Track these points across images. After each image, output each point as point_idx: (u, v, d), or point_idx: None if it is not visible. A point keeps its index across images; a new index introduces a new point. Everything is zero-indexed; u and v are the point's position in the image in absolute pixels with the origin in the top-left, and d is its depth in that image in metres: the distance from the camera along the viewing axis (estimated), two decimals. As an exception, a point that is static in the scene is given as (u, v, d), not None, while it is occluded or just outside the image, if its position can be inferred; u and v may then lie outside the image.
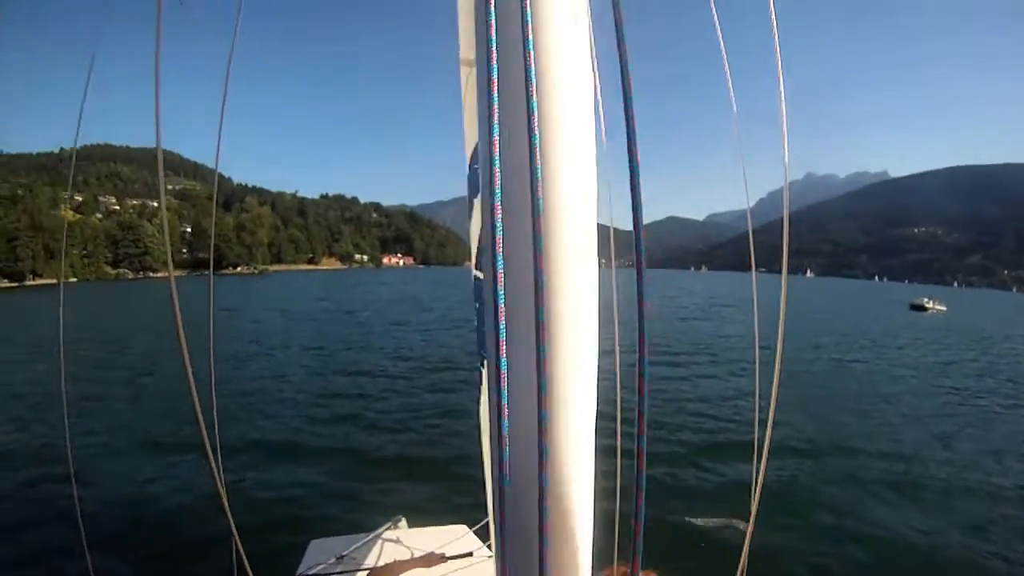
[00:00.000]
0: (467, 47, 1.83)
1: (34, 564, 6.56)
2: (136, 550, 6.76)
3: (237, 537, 1.81)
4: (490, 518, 2.62)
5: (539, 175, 0.87)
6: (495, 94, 0.88)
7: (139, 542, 6.99)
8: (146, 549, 6.84)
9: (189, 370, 1.17)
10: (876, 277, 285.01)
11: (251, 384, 16.31)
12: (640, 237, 0.86)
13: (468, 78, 1.91)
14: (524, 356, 0.92)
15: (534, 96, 0.88)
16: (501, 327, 0.91)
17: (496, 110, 0.89)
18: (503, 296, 0.91)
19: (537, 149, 0.87)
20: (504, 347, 0.91)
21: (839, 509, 8.19)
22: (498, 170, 0.89)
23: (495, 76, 0.88)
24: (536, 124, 0.88)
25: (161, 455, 10.29)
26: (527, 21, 0.88)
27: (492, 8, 0.90)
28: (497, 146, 0.88)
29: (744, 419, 12.56)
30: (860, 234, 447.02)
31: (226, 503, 1.89)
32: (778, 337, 1.60)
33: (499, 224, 0.90)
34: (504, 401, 0.91)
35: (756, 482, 1.78)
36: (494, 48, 0.89)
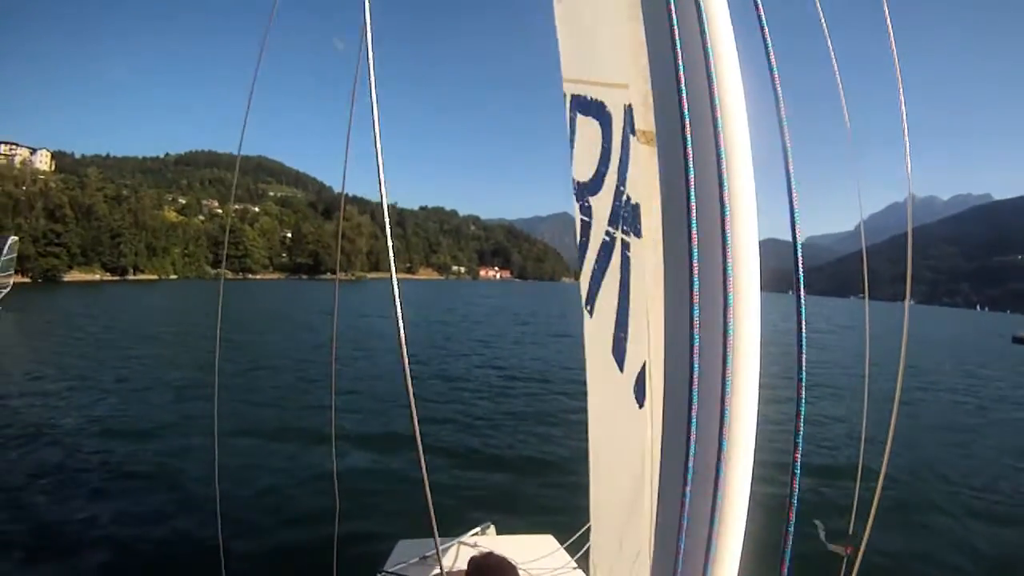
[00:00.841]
0: (569, 68, 1.75)
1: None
2: (244, 524, 7.21)
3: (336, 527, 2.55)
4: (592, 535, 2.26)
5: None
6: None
7: (249, 518, 7.43)
8: (251, 524, 7.27)
9: (334, 368, 1.06)
10: (978, 306, 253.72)
11: (355, 383, 16.56)
12: (798, 261, 0.98)
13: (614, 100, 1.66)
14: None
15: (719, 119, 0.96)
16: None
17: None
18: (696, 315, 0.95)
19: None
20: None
21: (923, 532, 8.24)
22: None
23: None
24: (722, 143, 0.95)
25: (271, 443, 10.88)
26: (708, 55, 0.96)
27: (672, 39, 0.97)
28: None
29: (837, 443, 12.30)
30: (962, 260, 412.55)
31: (337, 494, 2.68)
32: (899, 367, 1.93)
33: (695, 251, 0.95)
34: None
35: (872, 503, 1.88)
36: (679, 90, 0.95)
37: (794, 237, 0.92)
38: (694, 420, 0.91)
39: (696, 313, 0.91)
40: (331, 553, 2.88)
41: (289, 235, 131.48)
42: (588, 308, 2.08)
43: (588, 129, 1.85)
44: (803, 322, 0.90)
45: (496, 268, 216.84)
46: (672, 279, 0.99)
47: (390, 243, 1.33)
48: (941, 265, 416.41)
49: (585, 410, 2.30)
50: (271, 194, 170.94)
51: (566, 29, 1.77)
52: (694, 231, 0.91)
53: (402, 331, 1.12)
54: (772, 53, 0.92)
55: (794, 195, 0.91)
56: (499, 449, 11.24)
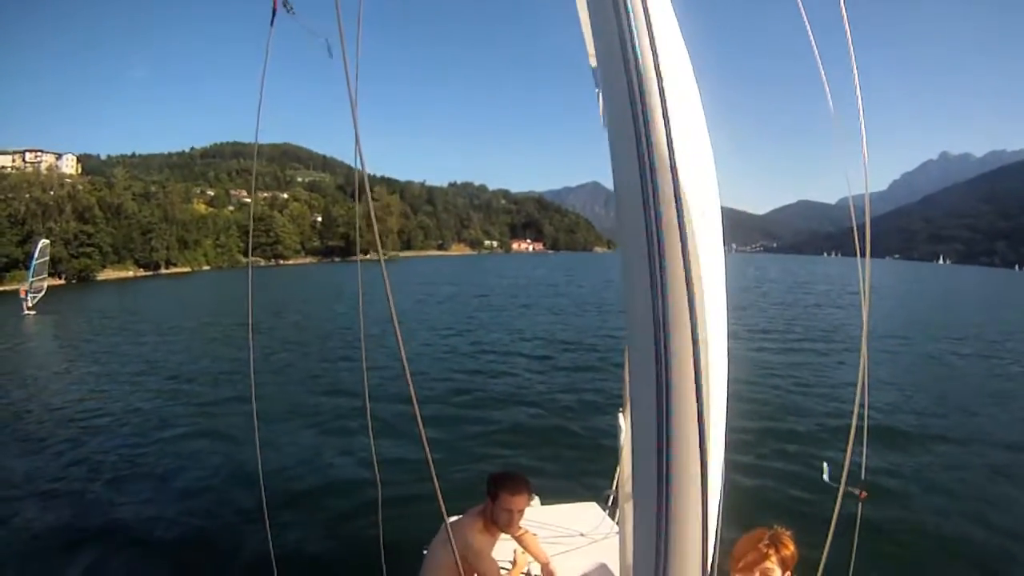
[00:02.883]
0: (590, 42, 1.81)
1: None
2: (288, 511, 7.22)
3: (380, 509, 2.52)
4: (621, 492, 2.52)
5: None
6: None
7: (294, 498, 7.62)
8: (296, 503, 7.47)
9: (363, 351, 1.52)
10: (1016, 266, 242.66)
11: (392, 361, 15.60)
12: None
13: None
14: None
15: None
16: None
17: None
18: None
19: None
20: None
21: (941, 487, 8.22)
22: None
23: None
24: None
25: (312, 421, 11.31)
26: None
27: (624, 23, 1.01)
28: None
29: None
30: (999, 219, 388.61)
31: (379, 477, 2.91)
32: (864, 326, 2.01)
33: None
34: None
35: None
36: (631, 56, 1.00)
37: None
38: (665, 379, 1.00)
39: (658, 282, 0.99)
40: (377, 531, 2.89)
41: (319, 219, 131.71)
42: None
43: None
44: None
45: (528, 241, 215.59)
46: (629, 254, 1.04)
47: (372, 214, 1.52)
48: (977, 224, 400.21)
49: None
50: (299, 180, 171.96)
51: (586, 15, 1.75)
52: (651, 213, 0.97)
53: (395, 315, 1.16)
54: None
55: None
56: (542, 419, 11.34)
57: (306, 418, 11.55)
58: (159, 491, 8.29)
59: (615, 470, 3.37)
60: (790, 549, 2.38)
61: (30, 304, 32.47)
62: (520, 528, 3.51)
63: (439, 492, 1.35)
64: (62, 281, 61.58)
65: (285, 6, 1.91)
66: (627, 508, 2.44)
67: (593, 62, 1.99)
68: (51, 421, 11.76)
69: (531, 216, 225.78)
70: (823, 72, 1.83)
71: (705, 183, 1.00)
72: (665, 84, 0.97)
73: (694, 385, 0.98)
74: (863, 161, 1.84)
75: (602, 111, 1.85)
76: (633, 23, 0.98)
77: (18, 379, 15.85)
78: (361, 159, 1.30)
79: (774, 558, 2.35)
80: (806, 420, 11.10)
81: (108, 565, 6.36)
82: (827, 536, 2.09)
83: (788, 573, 2.40)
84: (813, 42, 1.72)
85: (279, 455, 9.25)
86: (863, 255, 2.13)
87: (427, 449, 1.33)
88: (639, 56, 0.98)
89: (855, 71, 1.73)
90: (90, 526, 7.15)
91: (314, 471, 8.78)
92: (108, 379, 15.51)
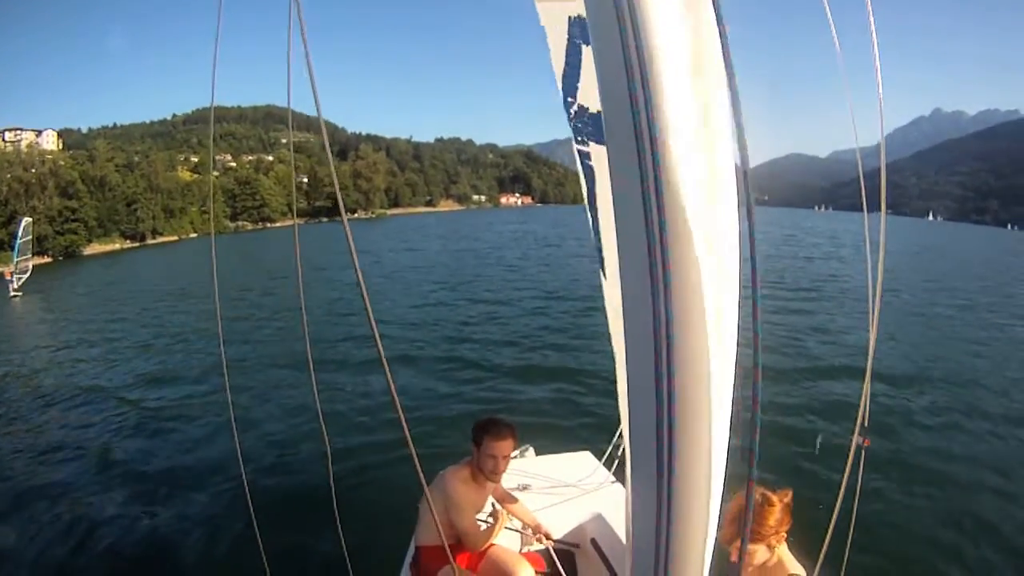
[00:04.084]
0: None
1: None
2: (276, 471, 7.56)
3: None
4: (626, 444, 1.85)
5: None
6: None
7: (281, 462, 7.86)
8: (286, 469, 7.60)
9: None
10: (1009, 225, 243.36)
11: (386, 315, 17.15)
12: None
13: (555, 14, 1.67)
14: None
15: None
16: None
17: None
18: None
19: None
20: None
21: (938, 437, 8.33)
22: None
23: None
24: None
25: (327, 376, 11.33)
26: None
27: None
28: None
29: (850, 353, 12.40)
30: (991, 177, 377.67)
31: (326, 434, 2.84)
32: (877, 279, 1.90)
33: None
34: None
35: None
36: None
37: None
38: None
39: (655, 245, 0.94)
40: (367, 492, 3.31)
41: (306, 180, 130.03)
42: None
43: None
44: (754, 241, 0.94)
45: (517, 195, 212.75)
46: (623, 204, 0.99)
47: (333, 172, 1.50)
48: (968, 182, 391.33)
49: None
50: (283, 141, 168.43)
51: None
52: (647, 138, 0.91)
53: (360, 276, 1.21)
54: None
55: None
56: (533, 374, 11.37)
57: (282, 385, 11.57)
58: (141, 471, 8.27)
59: (609, 421, 3.38)
60: (774, 513, 2.33)
61: (16, 286, 31.81)
62: (510, 496, 3.61)
63: (415, 457, 1.30)
64: (48, 259, 61.50)
65: None
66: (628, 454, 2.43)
67: (540, 6, 1.81)
68: (41, 404, 11.75)
69: (519, 170, 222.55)
70: (830, 16, 1.71)
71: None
72: (661, 29, 0.89)
73: (697, 334, 0.95)
74: (879, 107, 1.78)
75: (557, 67, 1.77)
76: None
77: (5, 363, 15.67)
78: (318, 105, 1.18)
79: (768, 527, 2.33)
80: (802, 370, 11.28)
81: (95, 537, 6.43)
82: (839, 488, 2.09)
83: (782, 528, 2.40)
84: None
85: (260, 425, 9.36)
86: (871, 210, 2.17)
87: (403, 418, 1.30)
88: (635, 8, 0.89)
89: (871, 14, 1.66)
90: (78, 505, 7.22)
91: (295, 436, 8.82)
92: (96, 359, 15.40)
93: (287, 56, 1.37)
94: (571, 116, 1.79)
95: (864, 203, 2.15)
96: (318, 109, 1.14)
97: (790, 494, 2.44)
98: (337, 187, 1.49)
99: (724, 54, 0.90)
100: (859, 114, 1.99)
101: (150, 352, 15.70)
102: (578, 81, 1.69)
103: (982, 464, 7.61)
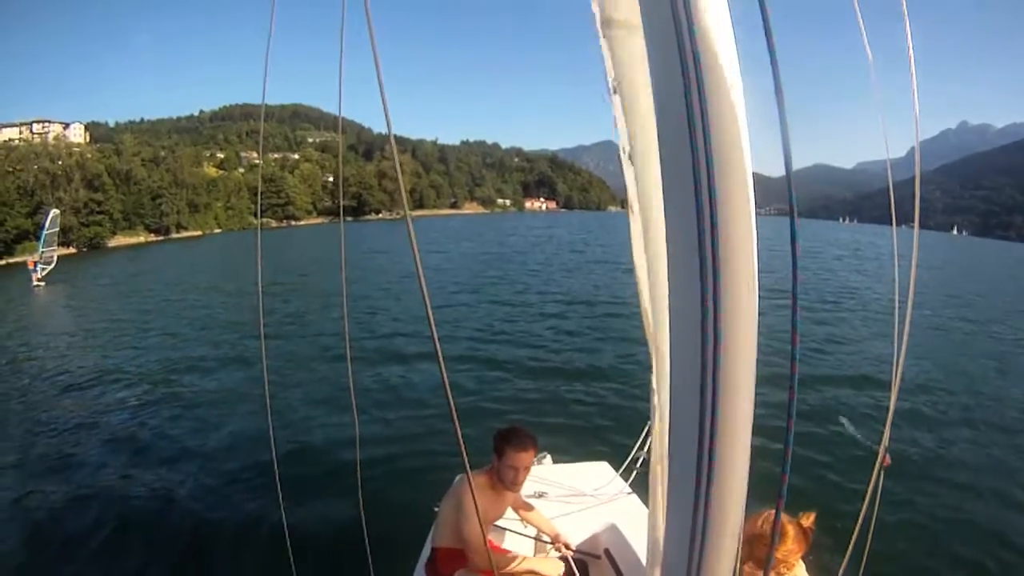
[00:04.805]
0: (612, 5, 1.68)
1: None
2: (300, 468, 7.25)
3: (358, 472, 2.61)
4: (662, 460, 2.17)
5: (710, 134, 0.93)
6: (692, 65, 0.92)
7: (301, 456, 7.77)
8: (306, 469, 7.30)
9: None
10: None
11: (409, 313, 17.50)
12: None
13: (623, 43, 1.67)
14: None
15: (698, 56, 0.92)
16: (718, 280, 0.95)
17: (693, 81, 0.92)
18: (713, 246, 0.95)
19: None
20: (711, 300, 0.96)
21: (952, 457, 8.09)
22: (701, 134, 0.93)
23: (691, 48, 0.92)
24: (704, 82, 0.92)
25: (324, 387, 11.05)
26: None
27: None
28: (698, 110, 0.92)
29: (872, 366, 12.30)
30: (1016, 192, 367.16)
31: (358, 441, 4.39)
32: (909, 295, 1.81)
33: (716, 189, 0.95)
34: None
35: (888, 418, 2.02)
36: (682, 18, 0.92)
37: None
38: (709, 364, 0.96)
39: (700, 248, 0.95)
40: (390, 489, 3.22)
41: (331, 179, 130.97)
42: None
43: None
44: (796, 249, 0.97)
45: (542, 199, 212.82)
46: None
47: (402, 181, 1.46)
48: (994, 196, 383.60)
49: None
50: (310, 140, 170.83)
51: None
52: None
53: (421, 271, 1.15)
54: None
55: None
56: (558, 381, 11.12)
57: (315, 379, 11.68)
58: (171, 456, 8.44)
59: (629, 431, 3.40)
60: (786, 543, 2.29)
61: (40, 276, 32.07)
62: (527, 504, 3.63)
63: (463, 447, 1.27)
64: (73, 250, 61.95)
65: None
66: (658, 470, 2.41)
67: (600, 29, 1.81)
68: (63, 393, 11.79)
69: (544, 174, 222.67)
70: (863, 27, 1.71)
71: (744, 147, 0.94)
72: (712, 45, 0.91)
73: (745, 360, 0.95)
74: (915, 116, 1.73)
75: (611, 81, 1.80)
76: None
77: (23, 350, 15.81)
78: (388, 120, 1.18)
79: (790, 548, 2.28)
80: (826, 389, 10.97)
81: (124, 526, 6.52)
82: (860, 506, 2.07)
83: (792, 557, 2.34)
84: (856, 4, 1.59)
85: (291, 417, 9.43)
86: (899, 224, 2.08)
87: (452, 405, 1.26)
88: (692, 19, 0.91)
89: (907, 24, 1.64)
90: (103, 493, 7.31)
91: (325, 430, 8.89)
92: (120, 348, 15.45)
93: (339, 61, 1.42)
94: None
95: (893, 215, 2.10)
96: (387, 115, 1.16)
97: (811, 517, 2.38)
98: (402, 183, 1.50)
99: (774, 73, 0.91)
100: (886, 126, 1.87)
101: (174, 342, 15.78)
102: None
103: (1006, 481, 7.46)
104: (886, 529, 5.62)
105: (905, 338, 1.95)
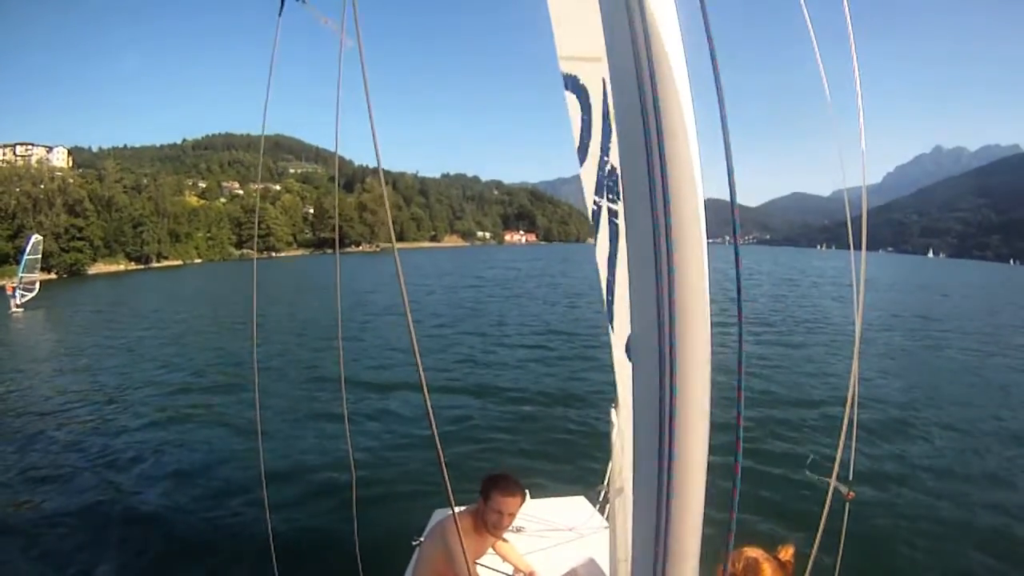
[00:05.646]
0: (560, 46, 1.81)
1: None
2: (285, 490, 7.58)
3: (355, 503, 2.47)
4: (619, 488, 2.44)
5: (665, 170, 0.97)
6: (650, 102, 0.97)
7: (296, 485, 7.81)
8: (291, 497, 7.44)
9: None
10: (1011, 260, 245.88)
11: (383, 350, 17.36)
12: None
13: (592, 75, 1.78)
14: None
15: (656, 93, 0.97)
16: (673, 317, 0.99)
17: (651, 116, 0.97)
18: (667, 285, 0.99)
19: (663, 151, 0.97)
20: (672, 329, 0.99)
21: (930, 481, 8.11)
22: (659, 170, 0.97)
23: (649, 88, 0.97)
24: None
25: (305, 415, 11.18)
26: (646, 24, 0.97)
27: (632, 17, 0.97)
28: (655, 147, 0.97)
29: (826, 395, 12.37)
30: (992, 213, 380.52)
31: (353, 468, 2.76)
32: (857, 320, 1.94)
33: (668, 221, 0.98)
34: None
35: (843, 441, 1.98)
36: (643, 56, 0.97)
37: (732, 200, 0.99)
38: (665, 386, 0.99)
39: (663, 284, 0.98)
40: (362, 525, 2.76)
41: (311, 211, 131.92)
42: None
43: (571, 104, 1.98)
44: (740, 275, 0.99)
45: (521, 232, 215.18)
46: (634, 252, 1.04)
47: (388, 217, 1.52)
48: (970, 217, 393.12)
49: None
50: (291, 171, 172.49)
51: (554, 6, 1.79)
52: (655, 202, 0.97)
53: (407, 302, 1.18)
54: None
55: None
56: (533, 413, 11.16)
57: (301, 408, 11.77)
58: (155, 482, 8.44)
59: (606, 465, 3.34)
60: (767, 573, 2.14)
61: (18, 302, 31.46)
62: (502, 538, 3.54)
63: (449, 488, 1.30)
64: (53, 276, 61.55)
65: None
66: (617, 503, 2.49)
67: (564, 66, 1.95)
68: (40, 418, 11.72)
69: (524, 207, 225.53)
70: (820, 62, 1.79)
71: (696, 178, 0.98)
72: (665, 76, 0.96)
73: (701, 383, 0.99)
74: (861, 152, 1.80)
75: (574, 114, 1.88)
76: (641, 19, 0.96)
77: (5, 378, 15.53)
78: (377, 151, 1.25)
79: None
80: (790, 415, 10.96)
81: (106, 551, 6.49)
82: (814, 541, 2.05)
83: None
84: (812, 33, 1.67)
85: (273, 444, 9.50)
86: (858, 248, 2.10)
87: (438, 443, 1.29)
88: (652, 56, 0.96)
89: (855, 61, 1.70)
90: (91, 515, 7.31)
91: (307, 460, 8.91)
92: (100, 377, 15.31)
93: (336, 98, 1.47)
94: (604, 174, 1.86)
95: (851, 243, 2.15)
96: (377, 153, 1.25)
97: (790, 551, 2.24)
98: (388, 218, 1.59)
99: (720, 106, 0.97)
100: (854, 154, 1.97)
101: (157, 369, 15.78)
102: (610, 141, 1.73)
103: (977, 508, 7.32)
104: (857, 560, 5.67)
105: (854, 367, 2.01)
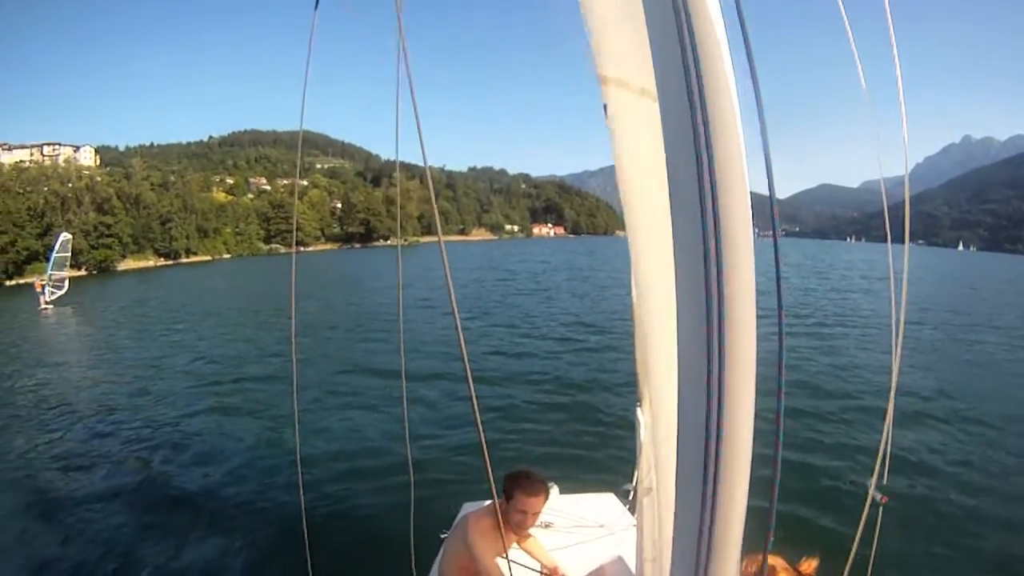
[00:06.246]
0: (606, 64, 1.67)
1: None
2: (324, 482, 7.77)
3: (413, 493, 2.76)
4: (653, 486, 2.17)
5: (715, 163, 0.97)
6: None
7: (327, 476, 8.00)
8: (329, 482, 7.78)
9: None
10: None
11: (424, 344, 16.63)
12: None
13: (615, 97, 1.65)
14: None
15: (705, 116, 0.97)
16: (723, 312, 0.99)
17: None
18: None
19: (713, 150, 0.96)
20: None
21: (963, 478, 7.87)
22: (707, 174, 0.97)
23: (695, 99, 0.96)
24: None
25: (350, 404, 11.55)
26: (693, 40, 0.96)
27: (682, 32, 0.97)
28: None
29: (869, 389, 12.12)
30: (1023, 204, 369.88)
31: (411, 465, 3.08)
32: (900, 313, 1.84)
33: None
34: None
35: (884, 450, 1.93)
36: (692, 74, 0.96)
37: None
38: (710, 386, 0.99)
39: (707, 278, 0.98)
40: (405, 515, 2.90)
41: (339, 205, 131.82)
42: None
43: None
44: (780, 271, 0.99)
45: (549, 225, 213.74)
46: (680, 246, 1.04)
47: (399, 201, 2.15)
48: (1000, 209, 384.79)
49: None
50: (318, 166, 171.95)
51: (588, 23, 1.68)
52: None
53: (453, 296, 1.20)
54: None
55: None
56: (564, 409, 10.99)
57: (338, 398, 12.04)
58: (191, 467, 8.80)
59: (634, 462, 3.26)
60: None
61: (48, 299, 31.67)
62: (527, 534, 3.45)
63: (490, 474, 1.32)
64: (83, 272, 62.16)
65: None
66: (646, 502, 2.47)
67: (601, 69, 1.77)
68: (75, 409, 12.02)
69: (552, 200, 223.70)
70: (855, 49, 1.74)
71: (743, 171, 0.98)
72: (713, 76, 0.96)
73: (748, 382, 0.98)
74: (903, 136, 1.75)
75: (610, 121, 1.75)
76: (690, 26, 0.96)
77: (38, 372, 15.79)
78: (423, 147, 1.27)
79: None
80: (821, 407, 10.86)
81: (148, 533, 6.85)
82: (852, 544, 2.02)
83: None
84: (846, 19, 1.63)
85: (311, 434, 9.71)
86: (894, 241, 2.08)
87: (481, 434, 1.32)
88: (699, 63, 0.96)
89: (894, 47, 1.67)
90: (132, 501, 7.67)
91: (346, 449, 9.15)
92: (131, 369, 15.50)
93: (396, 103, 1.47)
94: None
95: (888, 234, 2.11)
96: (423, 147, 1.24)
97: (813, 564, 2.27)
98: (435, 207, 1.50)
99: (757, 99, 0.95)
100: (886, 143, 1.94)
101: (191, 363, 15.92)
102: None
103: (1014, 506, 7.16)
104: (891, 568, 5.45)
105: (896, 364, 1.93)
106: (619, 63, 1.51)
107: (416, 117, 1.20)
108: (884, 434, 1.95)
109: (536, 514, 3.04)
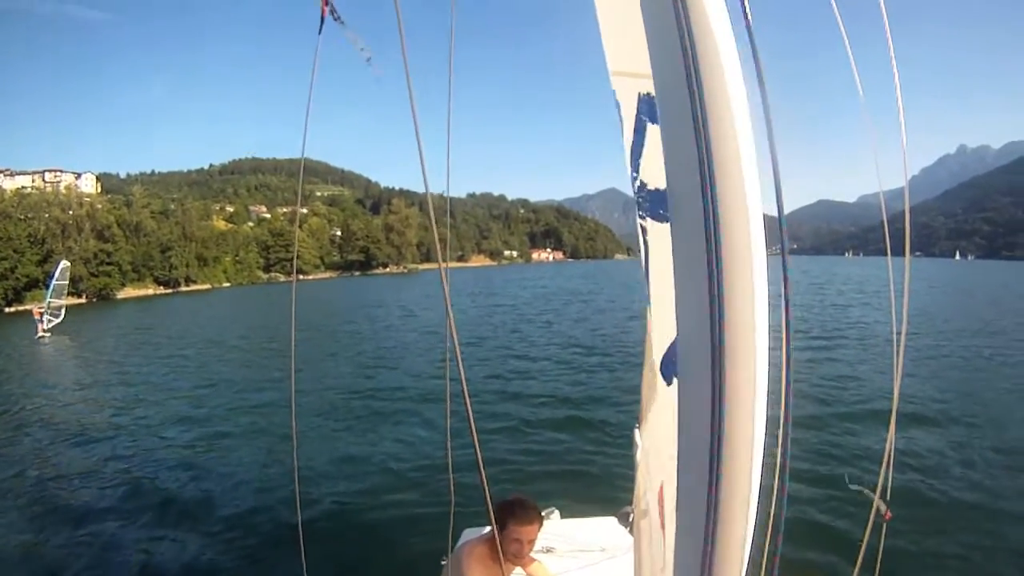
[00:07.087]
0: (618, 60, 1.74)
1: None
2: (321, 505, 7.92)
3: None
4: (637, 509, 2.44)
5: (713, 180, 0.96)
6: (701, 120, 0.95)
7: (330, 499, 8.16)
8: (327, 503, 7.97)
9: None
10: None
11: (424, 369, 17.33)
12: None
13: (627, 90, 1.73)
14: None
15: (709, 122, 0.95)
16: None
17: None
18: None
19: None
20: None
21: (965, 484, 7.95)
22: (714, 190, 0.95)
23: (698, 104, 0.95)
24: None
25: (349, 429, 11.71)
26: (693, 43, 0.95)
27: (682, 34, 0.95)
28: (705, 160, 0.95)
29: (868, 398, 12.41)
30: (1019, 211, 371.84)
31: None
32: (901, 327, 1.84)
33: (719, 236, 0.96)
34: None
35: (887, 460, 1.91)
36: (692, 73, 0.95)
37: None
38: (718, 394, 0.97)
39: (716, 292, 0.95)
40: (405, 539, 3.26)
41: (339, 233, 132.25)
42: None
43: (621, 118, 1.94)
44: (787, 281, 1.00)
45: (548, 249, 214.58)
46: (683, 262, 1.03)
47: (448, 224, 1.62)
48: (998, 217, 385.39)
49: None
50: (318, 194, 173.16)
51: (604, 22, 1.72)
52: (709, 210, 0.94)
53: (452, 321, 1.18)
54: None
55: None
56: (564, 433, 10.94)
57: (338, 421, 12.21)
58: (191, 486, 8.96)
59: (632, 486, 3.24)
60: None
61: (45, 326, 31.42)
62: (530, 558, 3.36)
63: (488, 501, 1.34)
64: (83, 300, 62.11)
65: (333, 15, 1.93)
66: (643, 525, 2.46)
67: (615, 81, 1.82)
68: (71, 432, 12.14)
69: (550, 225, 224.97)
70: (853, 61, 1.73)
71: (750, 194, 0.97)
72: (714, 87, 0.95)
73: (752, 410, 0.97)
74: (902, 147, 1.74)
75: (626, 141, 1.80)
76: (693, 37, 0.95)
77: (23, 402, 15.53)
78: (423, 167, 1.30)
79: None
80: (821, 421, 10.82)
81: (141, 547, 7.01)
82: (855, 563, 2.02)
83: None
84: (844, 33, 1.62)
85: (309, 456, 9.87)
86: (893, 254, 2.06)
87: (480, 462, 1.33)
88: (701, 77, 0.95)
89: (893, 60, 1.66)
90: (127, 519, 7.84)
91: (344, 471, 9.27)
92: (121, 403, 15.20)
93: (415, 131, 1.28)
94: (634, 190, 1.82)
95: (888, 246, 2.11)
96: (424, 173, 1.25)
97: None
98: (435, 235, 1.46)
99: (766, 116, 0.97)
100: (881, 157, 1.93)
101: (187, 393, 15.77)
102: (640, 157, 1.71)
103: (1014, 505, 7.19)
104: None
105: (898, 375, 1.94)
106: (630, 58, 1.54)
107: (417, 137, 1.21)
108: (885, 455, 1.94)
109: (532, 541, 3.01)
